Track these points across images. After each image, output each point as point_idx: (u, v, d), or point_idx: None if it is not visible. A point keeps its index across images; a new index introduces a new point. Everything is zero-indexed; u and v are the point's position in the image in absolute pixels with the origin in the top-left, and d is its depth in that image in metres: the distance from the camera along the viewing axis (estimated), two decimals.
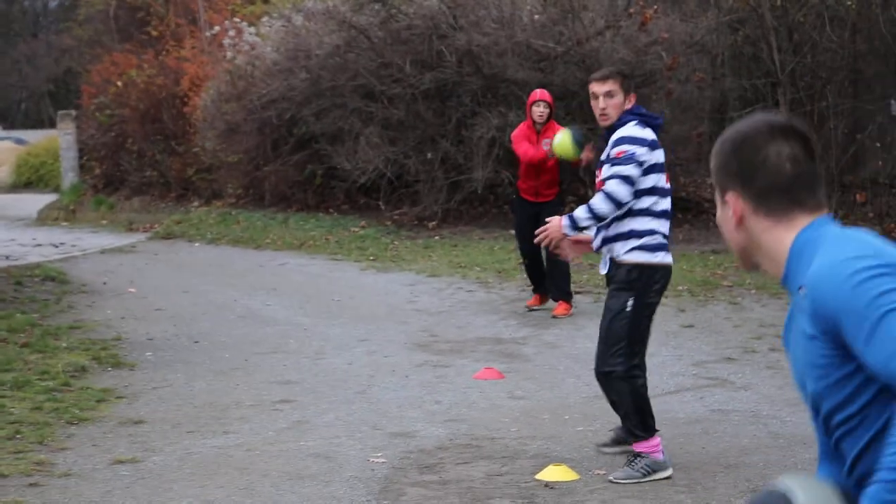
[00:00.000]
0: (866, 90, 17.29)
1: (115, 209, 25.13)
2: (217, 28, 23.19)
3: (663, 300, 6.64)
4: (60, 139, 28.75)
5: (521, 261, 12.12)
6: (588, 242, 6.41)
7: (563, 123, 14.49)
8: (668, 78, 16.94)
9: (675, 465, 6.42)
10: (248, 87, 20.72)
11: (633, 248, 6.24)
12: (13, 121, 54.65)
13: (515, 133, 11.48)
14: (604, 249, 6.36)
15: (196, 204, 23.21)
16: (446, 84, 18.20)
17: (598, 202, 6.17)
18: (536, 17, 18.06)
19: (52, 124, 35.15)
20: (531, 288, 11.86)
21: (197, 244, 18.87)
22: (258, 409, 8.02)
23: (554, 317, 11.18)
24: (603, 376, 6.34)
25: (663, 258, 6.30)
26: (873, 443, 2.40)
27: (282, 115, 19.71)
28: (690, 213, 16.79)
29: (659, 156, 6.30)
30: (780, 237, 2.52)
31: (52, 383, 8.60)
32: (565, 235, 6.26)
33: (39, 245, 19.16)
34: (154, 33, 26.74)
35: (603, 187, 6.23)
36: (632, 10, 17.39)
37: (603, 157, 6.43)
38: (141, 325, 11.23)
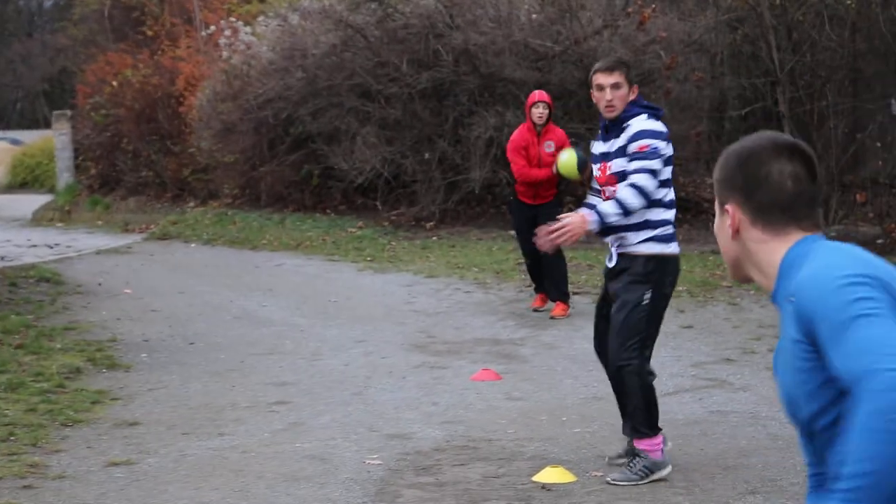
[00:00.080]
0: (866, 89, 17.25)
1: (111, 210, 25.09)
2: (213, 27, 23.14)
3: None
4: (55, 139, 28.68)
5: (521, 261, 12.05)
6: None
7: (561, 123, 14.46)
8: (666, 77, 16.90)
9: (673, 466, 6.36)
10: (244, 87, 20.67)
11: (647, 239, 6.20)
12: (8, 121, 54.60)
13: (515, 138, 11.23)
14: (610, 239, 6.26)
15: (192, 204, 23.16)
16: (443, 83, 18.16)
17: (629, 196, 6.08)
18: (534, 16, 18.01)
19: (47, 124, 35.11)
20: (532, 288, 11.81)
21: (193, 245, 18.81)
22: (254, 410, 7.97)
23: (552, 318, 11.13)
24: (617, 369, 6.23)
25: (675, 249, 6.30)
26: None
27: (278, 115, 19.66)
28: (689, 213, 16.73)
29: (671, 148, 6.30)
30: (774, 250, 2.57)
31: (46, 385, 8.55)
32: (587, 231, 6.14)
33: (34, 246, 19.11)
34: (149, 33, 26.69)
35: (632, 181, 6.11)
36: (630, 10, 17.35)
37: (608, 148, 6.33)
38: (136, 327, 11.18)
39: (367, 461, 6.71)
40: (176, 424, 7.61)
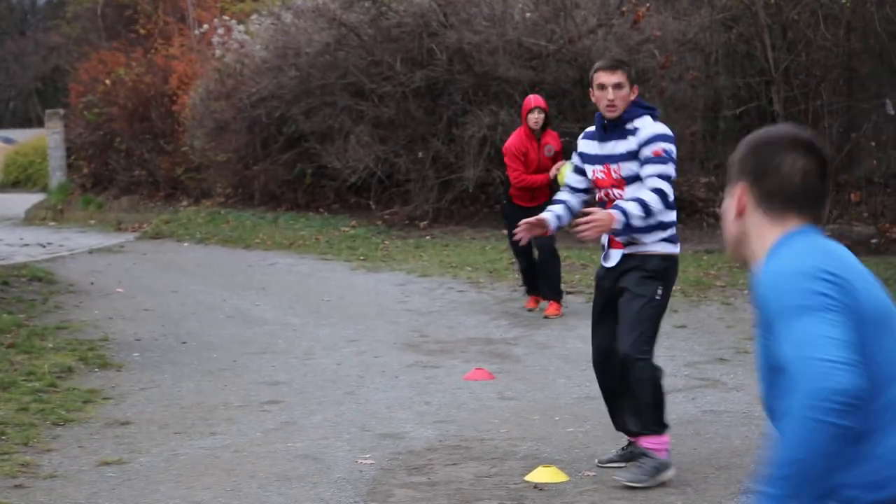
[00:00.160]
0: (861, 89, 17.24)
1: (104, 209, 25.04)
2: (206, 26, 23.09)
3: None
4: (48, 138, 28.61)
5: (514, 261, 12.01)
6: (544, 225, 6.29)
7: (555, 122, 14.43)
8: (661, 76, 16.88)
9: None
10: (237, 86, 20.64)
11: (660, 240, 6.19)
12: (1, 119, 54.52)
13: (513, 144, 11.10)
14: (622, 238, 6.18)
15: (185, 203, 23.12)
16: (437, 82, 18.14)
17: (654, 201, 6.02)
18: (528, 14, 18.00)
19: (40, 123, 35.04)
20: (524, 289, 11.77)
21: (186, 244, 18.78)
22: (246, 409, 7.94)
23: (546, 317, 11.11)
24: (633, 362, 6.14)
25: (679, 248, 6.32)
26: None
27: (271, 114, 19.63)
28: (684, 212, 16.68)
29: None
30: (767, 236, 2.70)
31: (38, 384, 8.52)
32: (611, 228, 6.04)
33: (27, 245, 19.06)
34: (142, 31, 26.62)
35: (655, 186, 6.04)
36: (624, 8, 17.34)
37: (610, 150, 6.23)
38: (128, 326, 11.15)
39: (360, 461, 6.69)
40: (168, 424, 7.58)
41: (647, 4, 17.02)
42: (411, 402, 8.10)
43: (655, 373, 6.20)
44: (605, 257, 6.37)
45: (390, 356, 9.65)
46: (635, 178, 6.18)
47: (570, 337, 10.15)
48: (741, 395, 8.05)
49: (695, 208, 16.93)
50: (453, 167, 17.96)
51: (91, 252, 17.97)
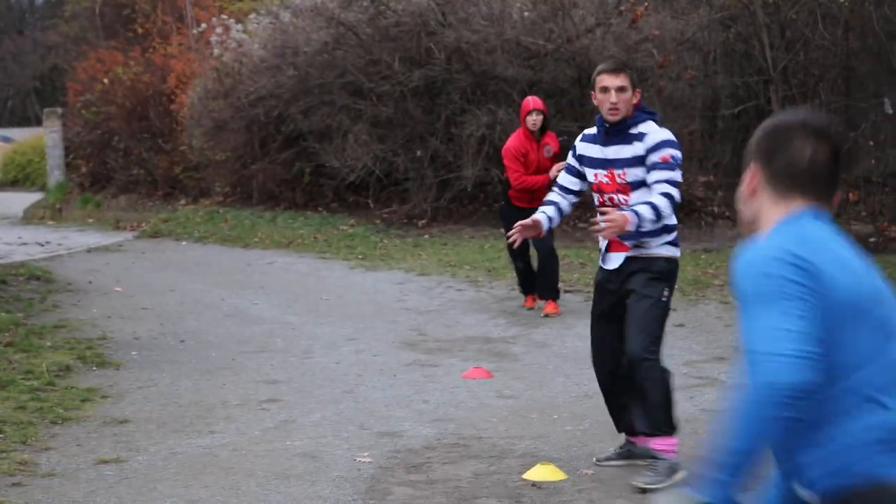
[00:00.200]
0: (859, 88, 17.23)
1: (102, 207, 25.03)
2: (204, 25, 23.07)
3: None
4: (46, 137, 28.59)
5: (512, 263, 11.98)
6: (538, 227, 6.29)
7: (553, 121, 14.43)
8: (659, 75, 16.88)
9: None
10: (235, 85, 20.63)
11: (665, 243, 6.20)
12: None
13: (513, 145, 11.08)
14: (630, 242, 6.17)
15: (183, 202, 23.11)
16: (435, 81, 18.13)
17: (665, 207, 6.01)
18: (526, 14, 17.99)
19: (38, 122, 35.01)
20: (519, 289, 11.77)
21: (184, 243, 18.78)
22: (244, 408, 7.94)
23: (546, 315, 11.10)
24: (641, 362, 6.12)
25: (680, 250, 6.34)
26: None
27: (269, 113, 19.62)
28: (682, 211, 16.62)
29: None
30: (772, 215, 2.79)
31: (36, 383, 8.51)
32: (625, 231, 6.03)
33: (25, 244, 19.05)
34: (140, 30, 26.61)
35: (666, 191, 6.02)
36: (622, 8, 17.33)
37: (614, 155, 6.19)
38: (127, 325, 11.14)
39: (358, 459, 6.69)
40: (166, 422, 7.58)
41: (646, 4, 17.02)
42: (410, 400, 8.10)
43: (664, 373, 6.19)
44: (605, 260, 6.35)
45: (389, 355, 9.65)
46: (641, 184, 6.15)
47: (568, 335, 10.15)
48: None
49: (693, 207, 16.93)
50: (452, 166, 17.96)
51: (89, 251, 17.96)
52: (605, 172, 6.26)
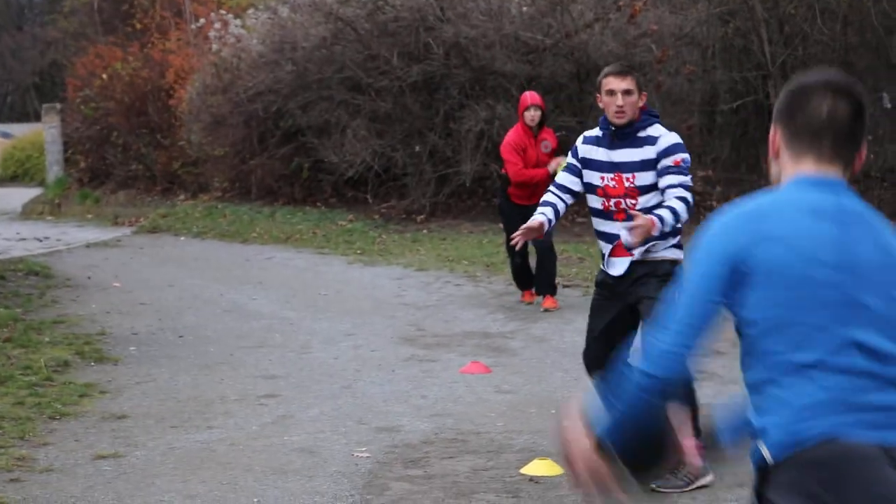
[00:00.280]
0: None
1: (101, 203, 25.04)
2: (202, 20, 23.07)
3: None
4: (45, 132, 28.60)
5: (510, 258, 11.98)
6: (541, 230, 6.26)
7: (552, 116, 14.44)
8: (657, 70, 16.88)
9: None
10: (233, 80, 20.63)
11: (671, 246, 6.20)
12: None
13: (512, 139, 11.09)
14: (638, 249, 6.16)
15: (182, 197, 23.11)
16: (434, 76, 18.13)
17: (684, 211, 6.00)
18: (525, 9, 17.99)
19: (37, 117, 34.99)
20: (515, 285, 11.77)
21: (183, 238, 18.78)
22: (243, 403, 7.94)
23: (545, 310, 11.11)
24: None
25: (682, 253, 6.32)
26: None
27: (268, 108, 19.62)
28: None
29: None
30: (786, 175, 2.81)
31: (34, 378, 8.51)
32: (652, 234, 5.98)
33: (24, 239, 19.06)
34: (139, 26, 26.60)
35: (682, 195, 6.01)
36: (621, 3, 17.33)
37: (621, 158, 6.13)
38: (125, 320, 11.14)
39: (356, 454, 6.69)
40: (164, 417, 7.58)
41: None
42: (408, 395, 8.10)
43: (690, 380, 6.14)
44: (609, 265, 6.25)
45: (387, 350, 9.65)
46: (650, 188, 6.10)
47: (566, 330, 10.15)
48: (738, 388, 8.04)
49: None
50: (450, 161, 17.96)
51: (88, 246, 17.96)
52: (612, 176, 6.18)
